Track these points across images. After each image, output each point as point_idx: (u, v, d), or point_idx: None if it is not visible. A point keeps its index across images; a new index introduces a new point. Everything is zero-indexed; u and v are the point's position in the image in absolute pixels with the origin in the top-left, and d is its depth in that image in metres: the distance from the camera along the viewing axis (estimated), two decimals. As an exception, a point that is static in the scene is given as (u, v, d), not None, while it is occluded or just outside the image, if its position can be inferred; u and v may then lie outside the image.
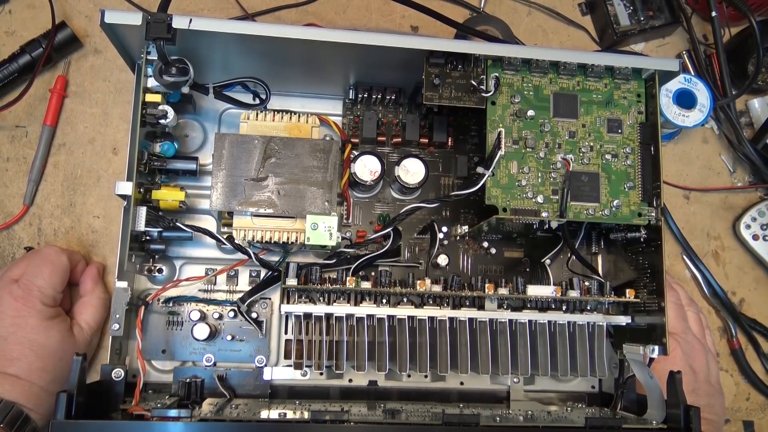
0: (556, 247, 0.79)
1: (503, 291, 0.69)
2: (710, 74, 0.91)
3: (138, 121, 0.65)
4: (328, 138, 0.77)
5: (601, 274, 0.79)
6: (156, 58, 0.64)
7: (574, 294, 0.71)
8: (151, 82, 0.66)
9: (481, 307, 0.71)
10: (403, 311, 0.69)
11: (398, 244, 0.75)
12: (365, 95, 0.77)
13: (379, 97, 0.77)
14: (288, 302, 0.68)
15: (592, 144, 0.70)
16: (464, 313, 0.70)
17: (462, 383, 0.77)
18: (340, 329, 0.69)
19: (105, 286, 0.74)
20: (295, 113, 0.73)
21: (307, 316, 0.69)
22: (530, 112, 0.69)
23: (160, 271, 0.74)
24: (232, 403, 0.69)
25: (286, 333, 0.74)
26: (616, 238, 0.76)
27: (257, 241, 0.69)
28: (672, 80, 0.75)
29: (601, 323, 0.71)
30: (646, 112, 0.71)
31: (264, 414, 0.64)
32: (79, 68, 0.81)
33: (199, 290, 0.75)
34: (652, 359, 0.68)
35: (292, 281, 0.67)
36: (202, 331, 0.71)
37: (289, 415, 0.64)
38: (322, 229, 0.68)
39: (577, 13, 0.94)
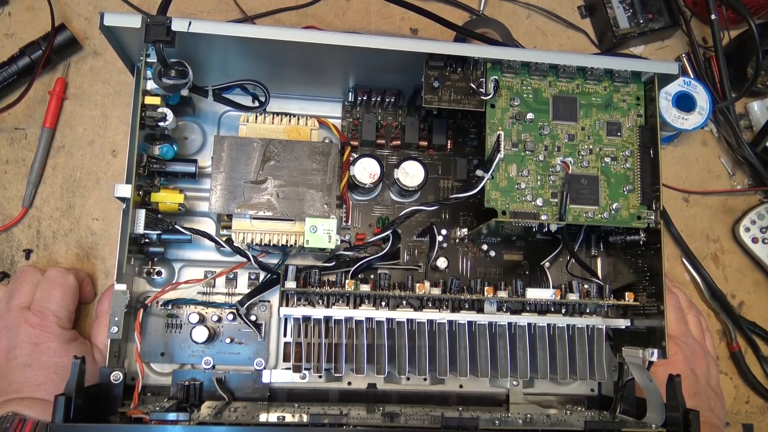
0: (555, 250, 0.78)
1: (502, 294, 0.69)
2: (709, 77, 0.91)
3: (137, 124, 0.65)
4: (327, 141, 0.77)
5: (600, 277, 0.79)
6: (155, 60, 0.64)
7: (573, 297, 0.70)
8: (151, 85, 0.66)
9: (480, 310, 0.71)
10: (402, 314, 0.69)
11: (397, 247, 0.75)
12: (364, 98, 0.77)
13: (379, 99, 0.77)
14: (287, 305, 0.68)
15: (591, 147, 0.70)
16: (463, 316, 0.69)
17: (461, 386, 0.77)
18: (339, 332, 0.69)
19: None
20: (294, 116, 0.73)
21: (306, 318, 0.69)
22: (529, 115, 0.69)
23: (159, 273, 0.74)
24: (231, 406, 0.69)
25: (285, 336, 0.74)
26: (615, 241, 0.76)
27: (256, 244, 0.69)
28: (671, 83, 0.75)
29: (600, 326, 0.71)
30: (645, 115, 0.71)
31: (263, 417, 0.64)
32: (79, 70, 0.81)
33: (198, 293, 0.75)
34: (651, 362, 0.68)
35: (291, 284, 0.67)
36: (200, 333, 0.71)
37: (288, 418, 0.64)
38: (322, 232, 0.68)
39: (576, 16, 0.94)
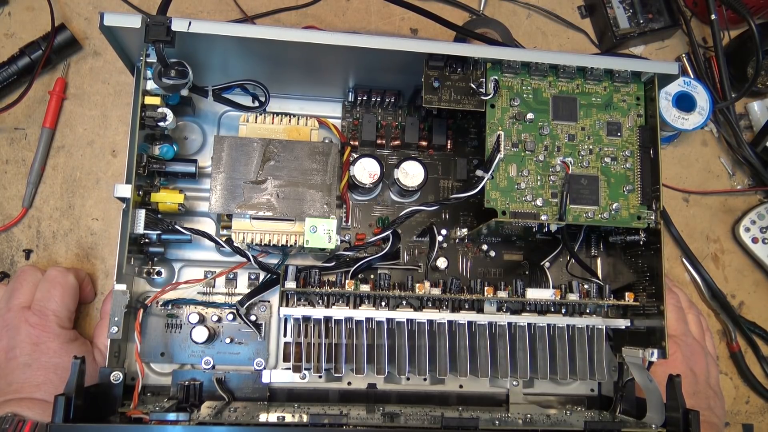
0: (555, 250, 0.78)
1: (502, 294, 0.69)
2: (710, 77, 0.91)
3: (137, 124, 0.65)
4: (327, 141, 0.77)
5: (600, 277, 0.79)
6: (155, 60, 0.64)
7: (573, 297, 0.70)
8: (151, 85, 0.66)
9: (480, 310, 0.71)
10: (402, 314, 0.69)
11: (397, 247, 0.75)
12: (364, 98, 0.77)
13: (379, 99, 0.77)
14: (287, 305, 0.68)
15: (591, 147, 0.70)
16: (463, 316, 0.69)
17: (461, 386, 0.77)
18: (339, 332, 0.69)
19: None
20: (294, 116, 0.73)
21: (306, 318, 0.69)
22: (529, 115, 0.69)
23: (158, 273, 0.74)
24: (231, 406, 0.69)
25: (285, 336, 0.74)
26: (615, 241, 0.76)
27: (256, 244, 0.69)
28: (671, 83, 0.75)
29: (600, 326, 0.71)
30: (645, 115, 0.71)
31: (262, 417, 0.64)
32: (79, 70, 0.81)
33: (198, 293, 0.75)
34: (651, 362, 0.68)
35: (290, 284, 0.67)
36: (200, 333, 0.71)
37: (288, 418, 0.64)
38: (321, 232, 0.68)
39: (576, 16, 0.94)
